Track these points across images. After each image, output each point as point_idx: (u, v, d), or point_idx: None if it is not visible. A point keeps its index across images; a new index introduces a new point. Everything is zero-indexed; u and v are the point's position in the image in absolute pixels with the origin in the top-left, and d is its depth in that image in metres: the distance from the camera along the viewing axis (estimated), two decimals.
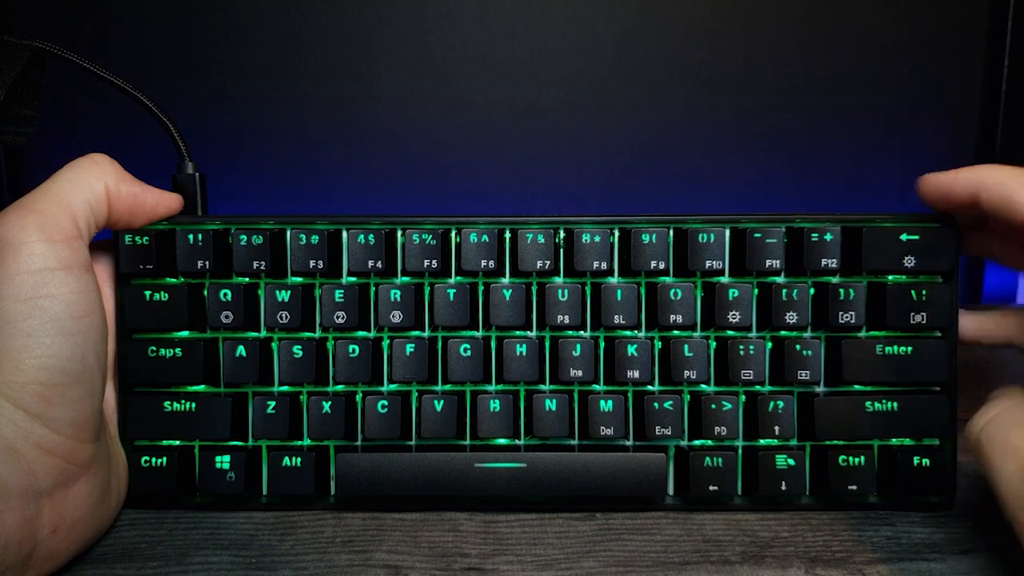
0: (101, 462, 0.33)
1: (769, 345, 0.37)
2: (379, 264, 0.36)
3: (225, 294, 0.36)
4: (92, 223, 0.33)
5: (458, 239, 0.37)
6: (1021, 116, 0.63)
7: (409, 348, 0.37)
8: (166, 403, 0.36)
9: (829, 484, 0.36)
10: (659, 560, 0.33)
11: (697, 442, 0.37)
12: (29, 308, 0.29)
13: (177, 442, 0.37)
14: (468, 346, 0.37)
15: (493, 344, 0.37)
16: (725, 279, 0.37)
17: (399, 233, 0.37)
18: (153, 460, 0.36)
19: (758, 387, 0.37)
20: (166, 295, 0.36)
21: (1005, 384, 0.32)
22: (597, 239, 0.36)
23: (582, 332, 0.37)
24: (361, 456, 0.36)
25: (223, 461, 0.36)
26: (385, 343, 0.37)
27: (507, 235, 0.37)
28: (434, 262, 0.36)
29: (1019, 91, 0.63)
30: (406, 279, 0.37)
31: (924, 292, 0.36)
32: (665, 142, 0.63)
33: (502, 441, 0.37)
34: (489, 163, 0.63)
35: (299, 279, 0.37)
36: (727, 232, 0.37)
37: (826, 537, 0.34)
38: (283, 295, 0.36)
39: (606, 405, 0.36)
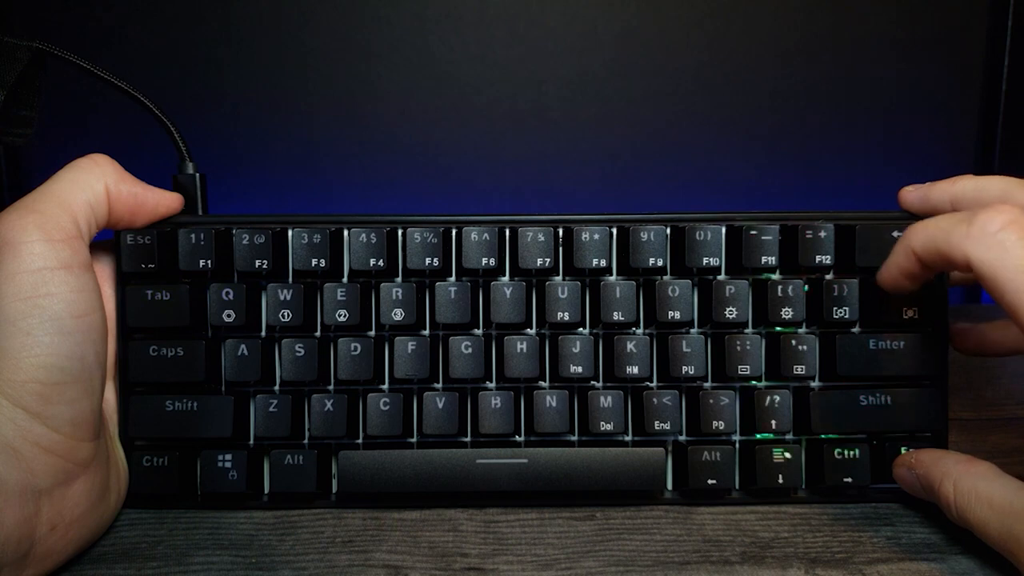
0: (100, 461, 0.33)
1: (765, 341, 0.37)
2: (381, 263, 0.37)
3: (227, 293, 0.36)
4: (92, 223, 0.33)
5: (459, 238, 0.37)
6: (1021, 116, 0.63)
7: (411, 346, 0.37)
8: (167, 402, 0.36)
9: (825, 477, 0.36)
10: (659, 560, 0.33)
11: (695, 436, 0.37)
12: (28, 307, 0.30)
13: (178, 441, 0.37)
14: (469, 343, 0.37)
15: (494, 341, 0.37)
16: (721, 276, 0.37)
17: (400, 232, 0.37)
18: (155, 460, 0.36)
19: (754, 382, 0.37)
20: (168, 294, 0.36)
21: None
22: (596, 237, 0.36)
23: (582, 329, 0.37)
24: (363, 453, 0.36)
25: (225, 460, 0.36)
26: (387, 341, 0.37)
27: (507, 234, 0.37)
28: (435, 260, 0.37)
29: (1019, 92, 0.63)
30: (408, 277, 0.37)
31: None
32: (664, 142, 0.63)
33: (503, 437, 0.37)
34: (489, 163, 0.63)
35: (301, 278, 0.37)
36: (723, 230, 0.37)
37: (826, 537, 0.34)
38: (285, 294, 0.36)
39: (606, 401, 0.36)
